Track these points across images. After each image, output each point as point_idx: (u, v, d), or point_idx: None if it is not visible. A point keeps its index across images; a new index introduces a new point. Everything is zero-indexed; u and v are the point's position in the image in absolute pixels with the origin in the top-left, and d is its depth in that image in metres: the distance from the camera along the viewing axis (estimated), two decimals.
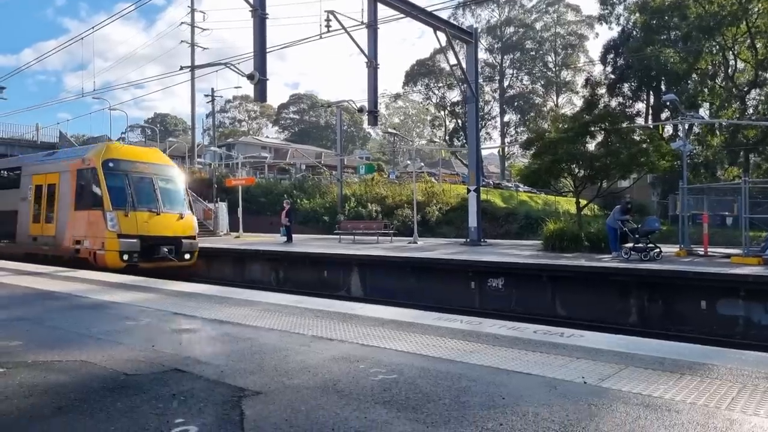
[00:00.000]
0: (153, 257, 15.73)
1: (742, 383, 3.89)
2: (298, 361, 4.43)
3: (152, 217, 16.07)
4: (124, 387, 3.78)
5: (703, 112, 36.67)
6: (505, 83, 60.39)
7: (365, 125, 75.54)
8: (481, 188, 22.73)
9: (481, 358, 4.54)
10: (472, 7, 58.49)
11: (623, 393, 3.64)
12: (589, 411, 3.31)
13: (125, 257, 15.24)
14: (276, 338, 5.38)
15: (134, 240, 15.46)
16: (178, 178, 18.05)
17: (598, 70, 46.74)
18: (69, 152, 19.31)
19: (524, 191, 42.22)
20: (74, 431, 3.03)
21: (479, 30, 47.22)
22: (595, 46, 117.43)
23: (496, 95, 60.17)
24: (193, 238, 17.10)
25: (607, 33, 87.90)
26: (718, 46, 34.74)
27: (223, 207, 28.72)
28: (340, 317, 6.44)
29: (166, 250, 15.96)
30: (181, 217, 16.89)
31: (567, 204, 35.01)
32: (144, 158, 17.48)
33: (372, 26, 16.83)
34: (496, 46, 59.98)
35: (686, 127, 25.65)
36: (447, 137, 59.21)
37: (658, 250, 14.18)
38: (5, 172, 21.36)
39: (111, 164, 16.21)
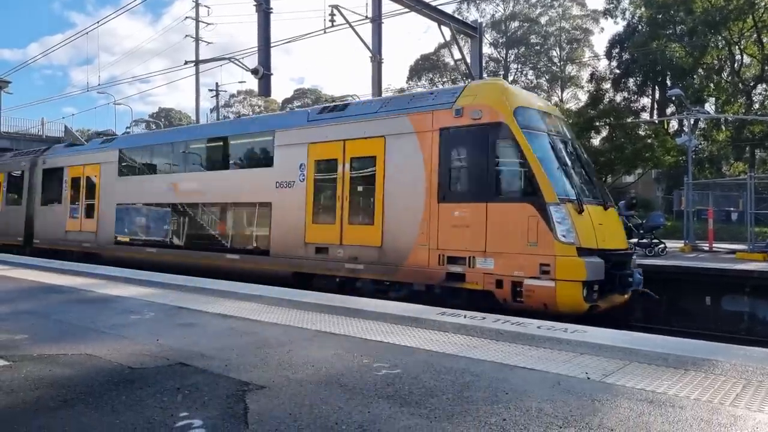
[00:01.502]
0: (618, 290, 8.83)
1: (746, 379, 3.88)
2: (302, 356, 4.44)
3: (602, 216, 9.09)
4: (129, 380, 3.79)
5: (709, 107, 36.43)
6: (510, 78, 60.14)
7: None
8: None
9: (485, 354, 4.55)
10: (477, 2, 58.38)
11: (627, 389, 3.64)
12: (593, 407, 3.31)
13: (585, 293, 8.17)
14: (280, 333, 5.40)
15: (597, 260, 8.39)
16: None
17: (603, 64, 46.48)
18: (395, 102, 10.76)
19: None
20: (80, 424, 3.05)
21: (484, 24, 46.95)
22: (600, 41, 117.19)
23: None
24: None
25: (612, 27, 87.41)
26: (724, 41, 34.49)
27: None
28: (343, 312, 6.46)
29: (632, 276, 8.98)
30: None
31: None
32: (549, 108, 10.53)
33: (376, 21, 16.79)
34: (500, 40, 59.75)
35: (691, 122, 25.50)
36: None
37: (662, 245, 14.17)
38: (242, 141, 13.30)
39: (521, 118, 8.99)
